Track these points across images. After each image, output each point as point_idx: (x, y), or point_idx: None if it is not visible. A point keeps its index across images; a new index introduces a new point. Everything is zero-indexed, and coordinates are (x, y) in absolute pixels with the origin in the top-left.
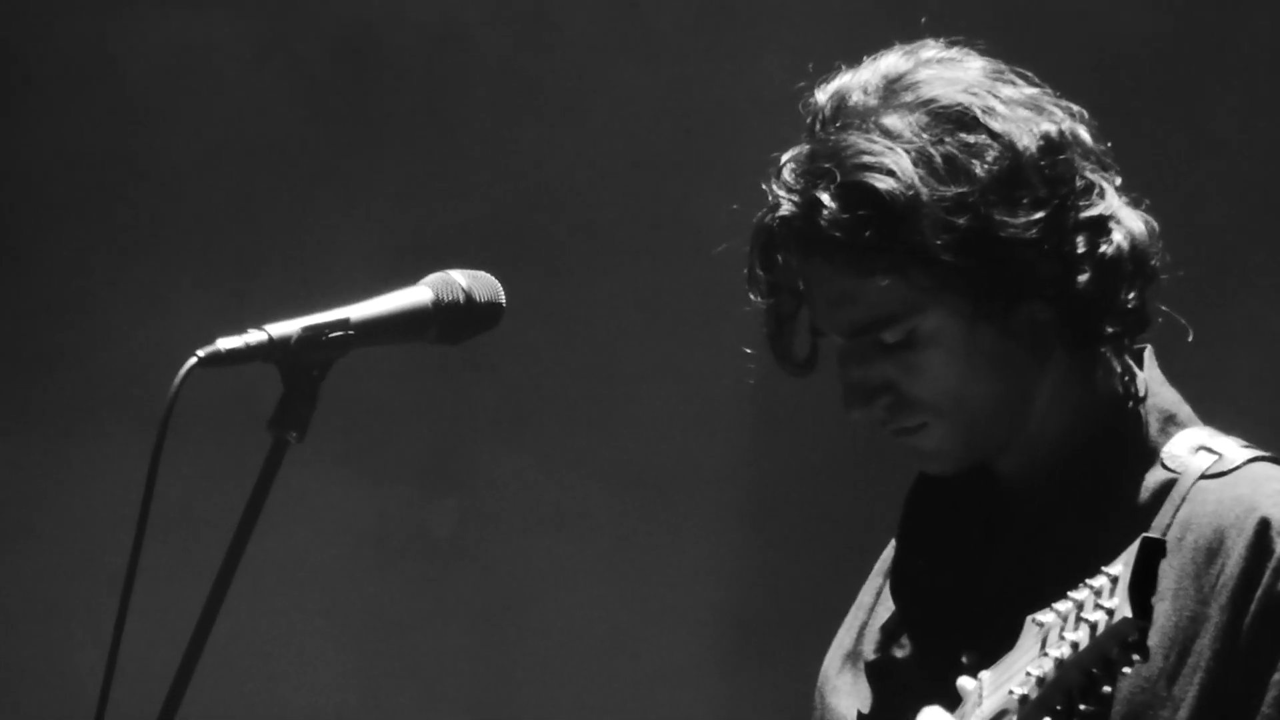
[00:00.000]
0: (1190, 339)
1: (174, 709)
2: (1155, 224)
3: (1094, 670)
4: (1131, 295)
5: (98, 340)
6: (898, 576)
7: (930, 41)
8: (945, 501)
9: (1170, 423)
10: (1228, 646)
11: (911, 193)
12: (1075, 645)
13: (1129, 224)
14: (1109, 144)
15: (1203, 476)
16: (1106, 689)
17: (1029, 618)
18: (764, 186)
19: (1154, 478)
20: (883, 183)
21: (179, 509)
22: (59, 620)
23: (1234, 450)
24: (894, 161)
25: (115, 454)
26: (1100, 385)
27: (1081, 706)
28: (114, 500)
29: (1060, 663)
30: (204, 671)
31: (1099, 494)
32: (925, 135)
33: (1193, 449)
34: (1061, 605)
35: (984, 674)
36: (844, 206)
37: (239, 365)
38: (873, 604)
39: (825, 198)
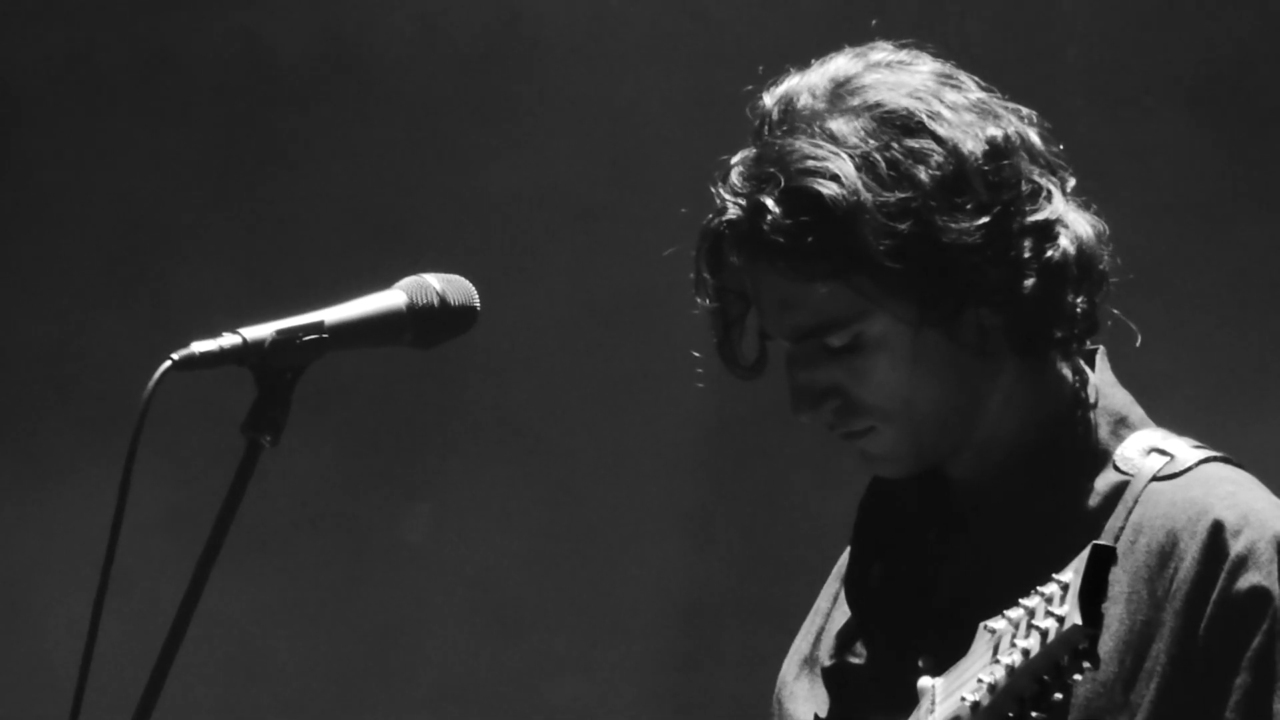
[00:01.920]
0: (1139, 343)
1: (148, 712)
2: (1105, 227)
3: (1045, 677)
4: (1079, 300)
5: (70, 340)
6: (852, 583)
7: (881, 44)
8: (898, 507)
9: (1122, 425)
10: (1183, 651)
11: (854, 198)
12: (1026, 652)
13: (1076, 228)
14: (1061, 145)
15: (1154, 479)
16: (1058, 696)
17: (981, 624)
18: (711, 190)
19: (1105, 480)
20: (826, 188)
21: (154, 511)
22: (32, 622)
23: (1186, 451)
24: (838, 167)
25: (90, 456)
26: (1051, 389)
27: (1034, 714)
28: (88, 504)
29: (1011, 669)
30: (177, 675)
31: (1051, 498)
32: (870, 140)
33: (1145, 451)
34: (1013, 612)
35: (936, 680)
36: (787, 212)
37: (213, 368)
38: (829, 609)
39: (769, 202)
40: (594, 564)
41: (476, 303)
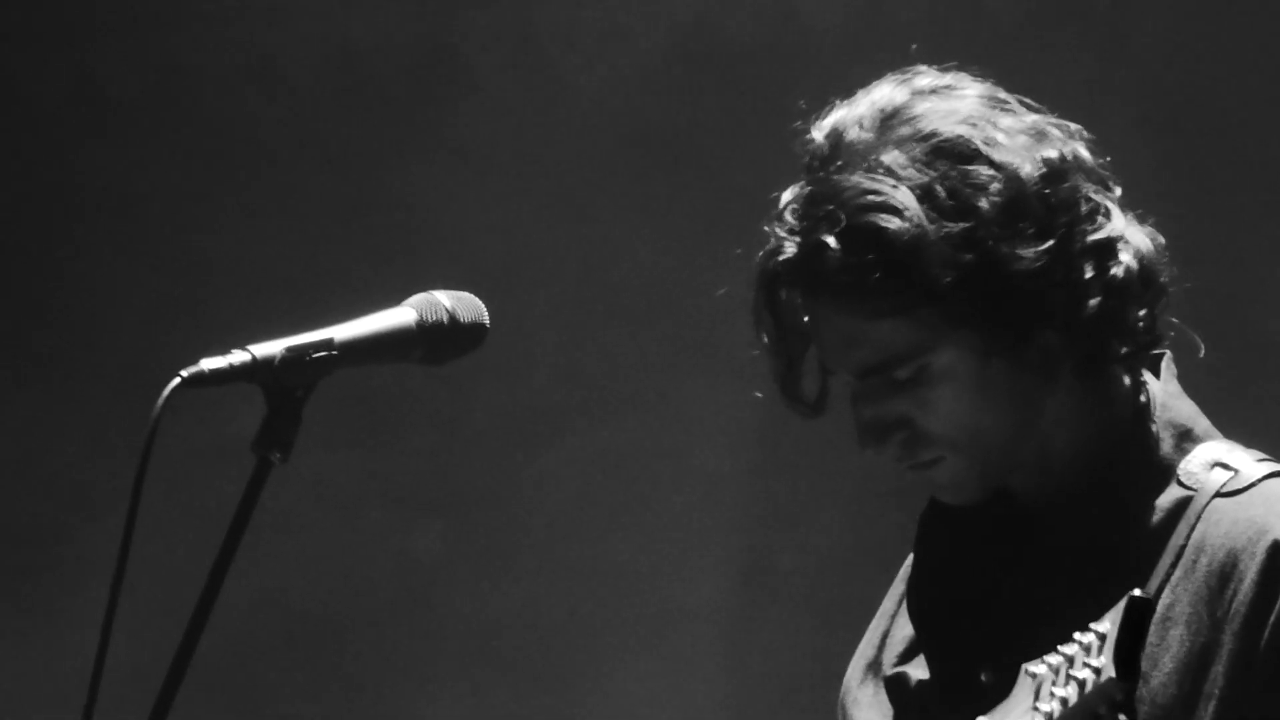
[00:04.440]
0: (1201, 354)
1: None
2: (1161, 239)
3: None
4: (1142, 314)
5: (84, 354)
6: (914, 597)
7: (922, 68)
8: (960, 521)
9: (1186, 438)
10: (1241, 673)
11: (917, 231)
12: (1064, 701)
13: (1136, 242)
14: (1108, 158)
15: (1218, 494)
16: None
17: (1023, 667)
18: (764, 228)
19: (1169, 496)
20: (887, 223)
21: (163, 529)
22: (40, 638)
23: (1250, 466)
24: (897, 200)
25: (99, 474)
26: (1113, 403)
27: None
28: (97, 524)
29: (1049, 717)
30: (186, 691)
31: (1114, 514)
32: (927, 171)
33: (1208, 465)
34: (1053, 658)
35: None
36: (849, 249)
37: (223, 386)
38: (894, 612)
39: (830, 240)
40: (610, 575)
41: (486, 320)
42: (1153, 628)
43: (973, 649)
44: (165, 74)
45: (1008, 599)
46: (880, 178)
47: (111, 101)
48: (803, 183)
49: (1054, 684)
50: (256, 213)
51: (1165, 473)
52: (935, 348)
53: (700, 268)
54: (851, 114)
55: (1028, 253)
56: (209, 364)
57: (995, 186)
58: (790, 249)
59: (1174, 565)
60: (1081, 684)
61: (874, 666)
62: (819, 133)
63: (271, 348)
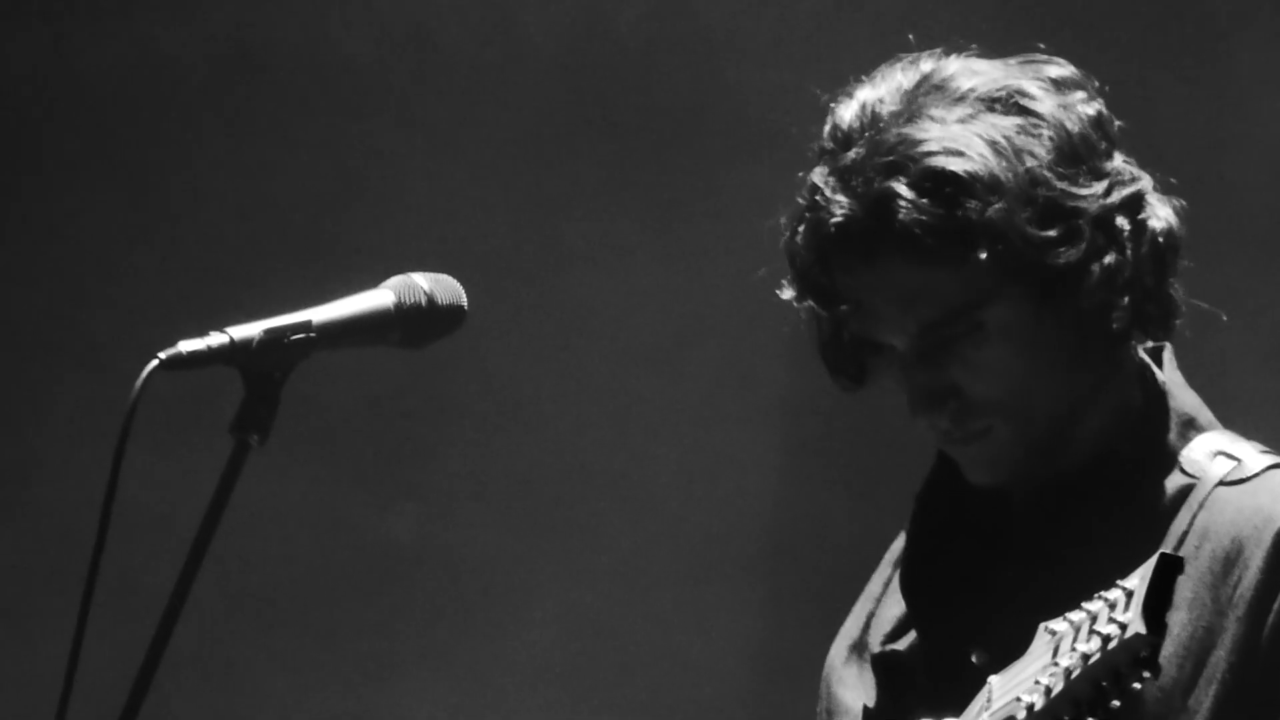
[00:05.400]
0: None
1: (134, 713)
2: (1181, 202)
3: (1103, 683)
4: (1170, 280)
5: (59, 342)
6: (908, 573)
7: (924, 54)
8: (957, 500)
9: (1190, 427)
10: (1244, 659)
11: (989, 170)
12: (1086, 657)
13: (1160, 207)
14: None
15: (1221, 483)
16: (1116, 704)
17: (1041, 625)
18: (798, 200)
19: (1172, 483)
20: (958, 164)
21: (141, 512)
22: (18, 623)
23: (1254, 457)
24: (964, 144)
25: (76, 456)
26: (1130, 387)
27: (1088, 719)
28: (75, 503)
29: (1070, 673)
30: (163, 676)
31: (1116, 498)
32: (979, 120)
33: (1211, 454)
34: (1075, 615)
35: (993, 678)
36: (923, 193)
37: (200, 368)
38: (880, 594)
39: (901, 189)
40: (586, 563)
41: (464, 302)
42: None
43: (965, 629)
44: (138, 53)
45: (1004, 579)
46: (933, 128)
47: (81, 79)
48: (838, 155)
49: (1074, 641)
50: (226, 194)
51: (1169, 460)
52: (992, 299)
53: (691, 259)
54: (874, 93)
55: (1088, 191)
56: (186, 346)
57: (1046, 133)
58: (844, 211)
59: (1176, 550)
60: (1105, 639)
61: (859, 646)
62: (846, 112)
63: (249, 330)
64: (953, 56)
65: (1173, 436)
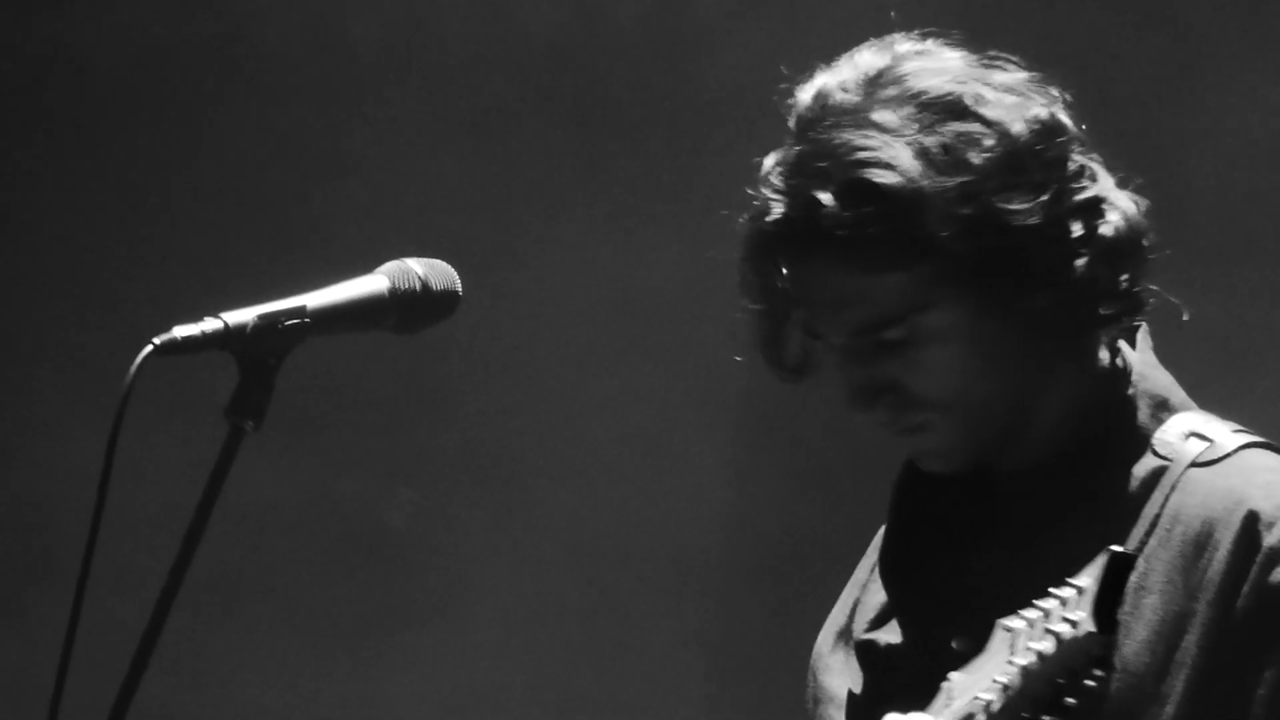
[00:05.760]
0: (1185, 318)
1: (125, 706)
2: (1145, 203)
3: (1059, 681)
4: (1127, 277)
5: (51, 327)
6: (887, 563)
7: (901, 36)
8: (935, 488)
9: (1162, 408)
10: (1214, 642)
11: (914, 185)
12: (1041, 655)
13: (1121, 205)
14: (1084, 127)
15: (1193, 464)
16: (1071, 701)
17: (999, 622)
18: (749, 191)
19: (1144, 466)
20: (883, 177)
21: (134, 498)
22: (11, 613)
23: (1226, 436)
24: (892, 155)
25: (70, 442)
26: (1094, 372)
27: (1044, 718)
28: (69, 489)
29: (1026, 672)
30: (157, 667)
31: (1089, 483)
32: (918, 127)
33: (1184, 435)
34: (1030, 613)
35: (954, 675)
36: (845, 205)
37: (195, 353)
38: (866, 580)
39: (824, 197)
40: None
41: (458, 287)
42: (1126, 597)
43: (945, 616)
44: (131, 42)
45: (981, 566)
46: (871, 134)
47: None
48: (789, 145)
49: (1030, 638)
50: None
51: (1141, 442)
52: (928, 306)
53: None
54: (835, 78)
55: (1023, 207)
56: (181, 331)
57: (988, 142)
58: (780, 209)
59: (1149, 534)
60: (1058, 637)
61: (845, 634)
62: (804, 96)
63: (244, 315)
64: (921, 46)
65: (1144, 419)
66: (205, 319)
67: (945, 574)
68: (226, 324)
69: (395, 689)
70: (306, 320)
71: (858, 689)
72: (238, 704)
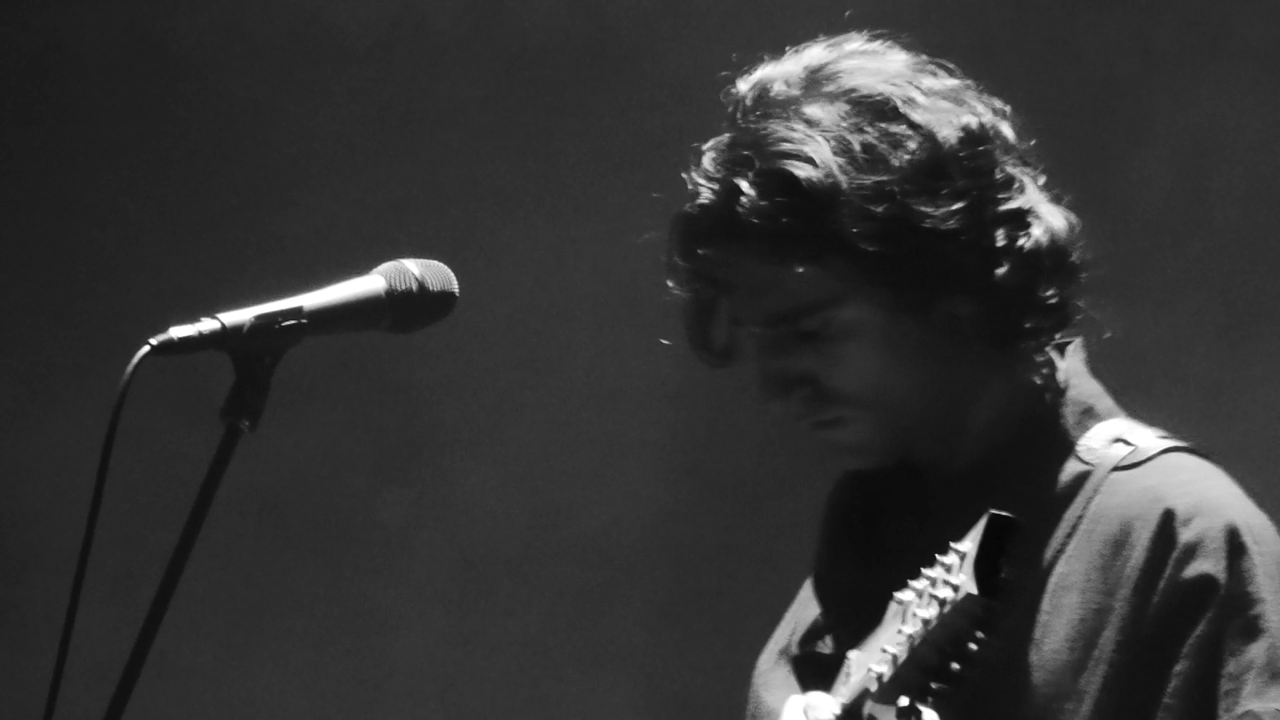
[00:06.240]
0: (1106, 336)
1: (121, 706)
2: (1076, 221)
3: (947, 648)
4: (1050, 291)
5: (47, 326)
6: (820, 578)
7: (854, 35)
8: (868, 500)
9: (1088, 415)
10: (1130, 637)
11: (830, 181)
12: (926, 622)
13: (1049, 220)
14: (1033, 142)
15: (1116, 468)
16: (955, 666)
17: (894, 595)
18: (684, 175)
19: (1069, 471)
20: (801, 170)
21: (131, 498)
22: (8, 612)
23: (1150, 441)
24: (813, 150)
25: (66, 442)
26: (1021, 380)
27: (933, 684)
28: (65, 489)
29: (912, 640)
30: (152, 667)
31: (1015, 489)
32: (845, 124)
33: (1108, 441)
34: (918, 583)
35: (852, 653)
36: (762, 194)
37: (191, 353)
38: (807, 599)
39: (744, 185)
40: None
41: (455, 288)
42: (1047, 596)
43: (877, 624)
44: (127, 37)
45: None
46: (798, 127)
47: (72, 65)
48: (724, 131)
49: (917, 607)
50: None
51: (1066, 448)
52: (843, 300)
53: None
54: (778, 70)
55: (940, 211)
56: (177, 332)
57: (911, 145)
58: (706, 195)
59: (1069, 536)
60: (942, 603)
61: (785, 651)
62: (745, 84)
63: (240, 315)
64: (870, 46)
65: (1070, 425)
66: (202, 319)
67: (877, 585)
68: (223, 324)
69: (392, 688)
70: (303, 321)
71: None
72: (234, 699)
